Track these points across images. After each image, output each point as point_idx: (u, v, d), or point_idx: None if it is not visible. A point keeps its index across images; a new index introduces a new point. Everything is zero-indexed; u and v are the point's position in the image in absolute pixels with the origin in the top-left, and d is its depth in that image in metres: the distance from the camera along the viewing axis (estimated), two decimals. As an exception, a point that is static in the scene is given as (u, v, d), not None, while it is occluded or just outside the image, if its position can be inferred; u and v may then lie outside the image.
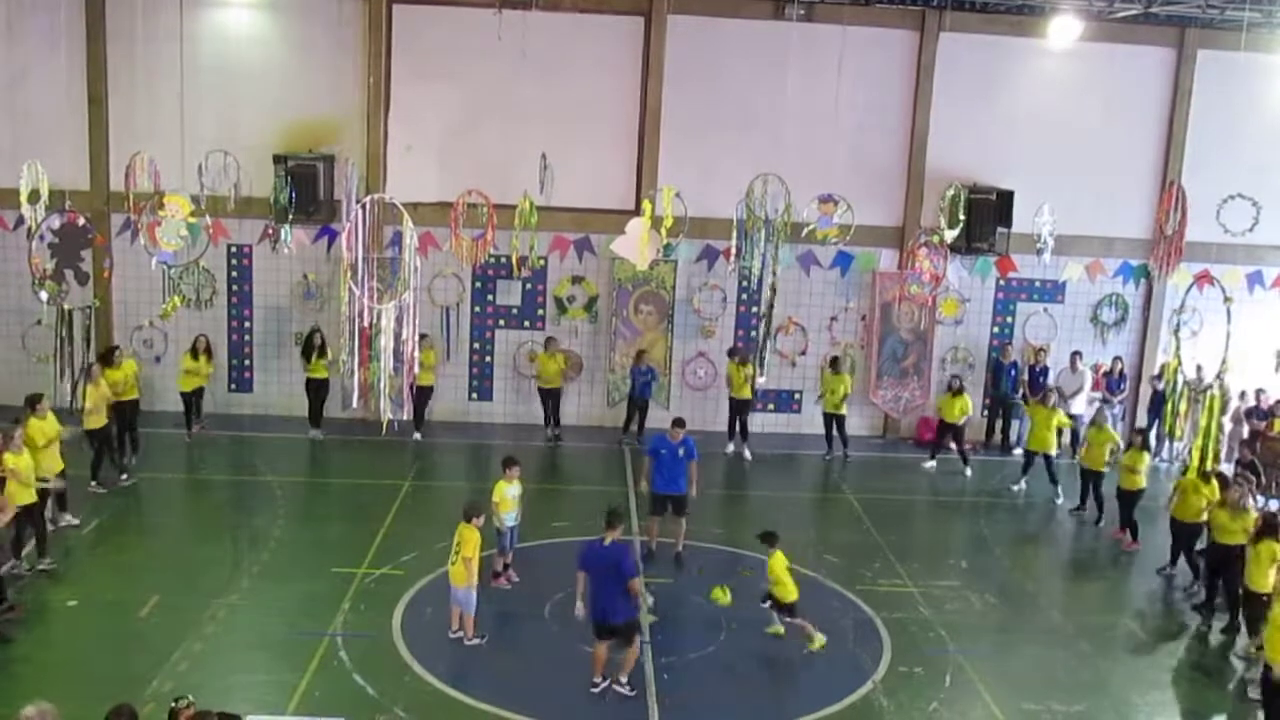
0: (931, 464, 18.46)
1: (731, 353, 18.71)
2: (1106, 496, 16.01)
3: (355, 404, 13.74)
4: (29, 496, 12.29)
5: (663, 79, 18.72)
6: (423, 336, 18.25)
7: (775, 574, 11.69)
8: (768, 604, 11.88)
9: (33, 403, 13.33)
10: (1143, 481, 15.19)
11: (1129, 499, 15.29)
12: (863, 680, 11.10)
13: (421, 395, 18.10)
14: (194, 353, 17.80)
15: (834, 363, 18.72)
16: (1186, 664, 12.19)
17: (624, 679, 10.69)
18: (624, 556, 10.67)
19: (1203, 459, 13.67)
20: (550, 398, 18.83)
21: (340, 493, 16.57)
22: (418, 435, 18.45)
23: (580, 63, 18.77)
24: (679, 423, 14.22)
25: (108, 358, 16.29)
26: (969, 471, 18.09)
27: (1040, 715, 10.63)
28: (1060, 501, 16.95)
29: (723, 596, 11.75)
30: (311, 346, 18.16)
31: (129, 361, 16.75)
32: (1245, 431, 18.10)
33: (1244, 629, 12.35)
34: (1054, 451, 17.11)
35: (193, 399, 17.95)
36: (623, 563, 10.55)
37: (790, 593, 11.70)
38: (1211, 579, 13.18)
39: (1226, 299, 14.23)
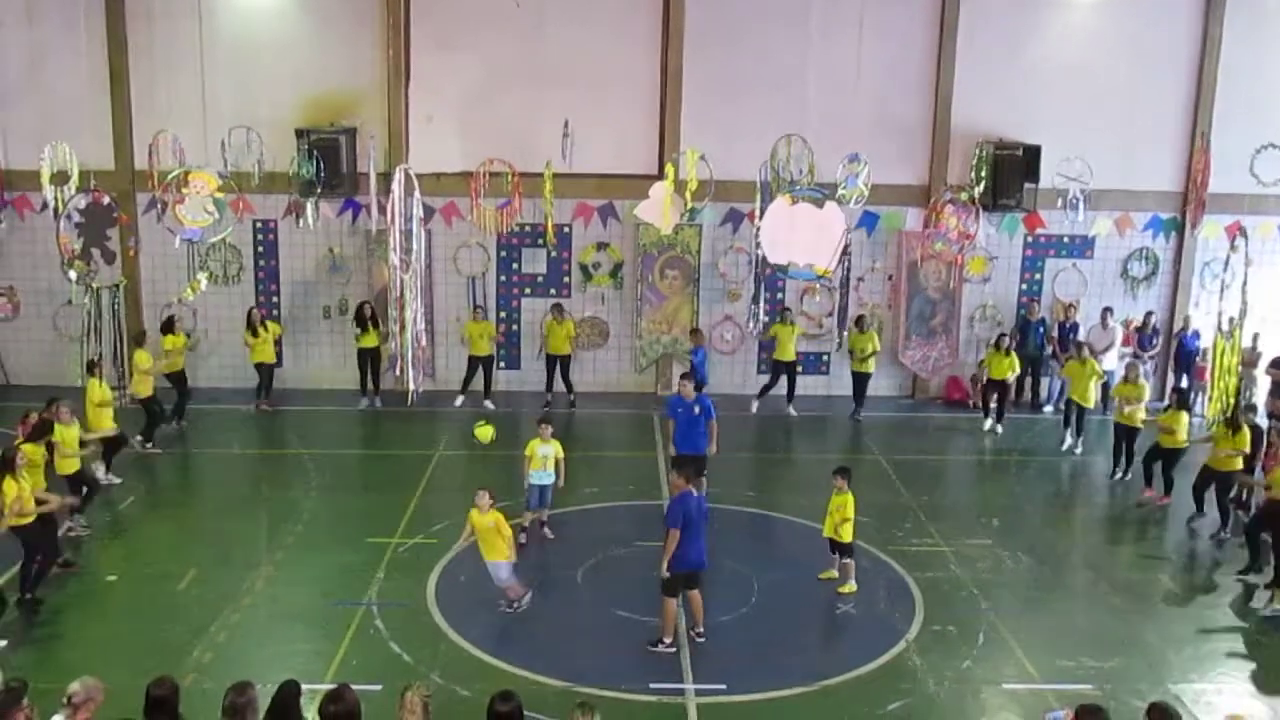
0: (990, 424, 18.30)
1: (781, 314, 18.82)
2: (1140, 452, 15.85)
3: (396, 372, 13.86)
4: (73, 466, 13.00)
5: (683, 41, 18.54)
6: (478, 308, 18.52)
7: (831, 510, 12.02)
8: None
9: (91, 367, 14.84)
10: (1184, 439, 14.89)
11: (1170, 458, 14.99)
12: (896, 640, 11.12)
13: (485, 365, 18.47)
14: (252, 330, 18.03)
15: (859, 321, 18.63)
16: (1220, 619, 12.08)
17: (701, 628, 11.03)
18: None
19: (1224, 405, 13.73)
20: (559, 363, 18.82)
21: (371, 463, 16.68)
22: (489, 403, 18.62)
23: (600, 27, 18.63)
24: (686, 376, 14.54)
25: (168, 326, 17.25)
26: (1000, 429, 18.06)
27: (1074, 671, 10.60)
28: (1073, 448, 17.09)
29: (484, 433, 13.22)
30: (363, 317, 18.29)
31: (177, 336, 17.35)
32: (1269, 382, 17.82)
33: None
34: (1091, 405, 17.06)
35: (262, 371, 18.34)
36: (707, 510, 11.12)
37: (838, 534, 12.00)
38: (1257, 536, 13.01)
39: (1232, 248, 14.09)
